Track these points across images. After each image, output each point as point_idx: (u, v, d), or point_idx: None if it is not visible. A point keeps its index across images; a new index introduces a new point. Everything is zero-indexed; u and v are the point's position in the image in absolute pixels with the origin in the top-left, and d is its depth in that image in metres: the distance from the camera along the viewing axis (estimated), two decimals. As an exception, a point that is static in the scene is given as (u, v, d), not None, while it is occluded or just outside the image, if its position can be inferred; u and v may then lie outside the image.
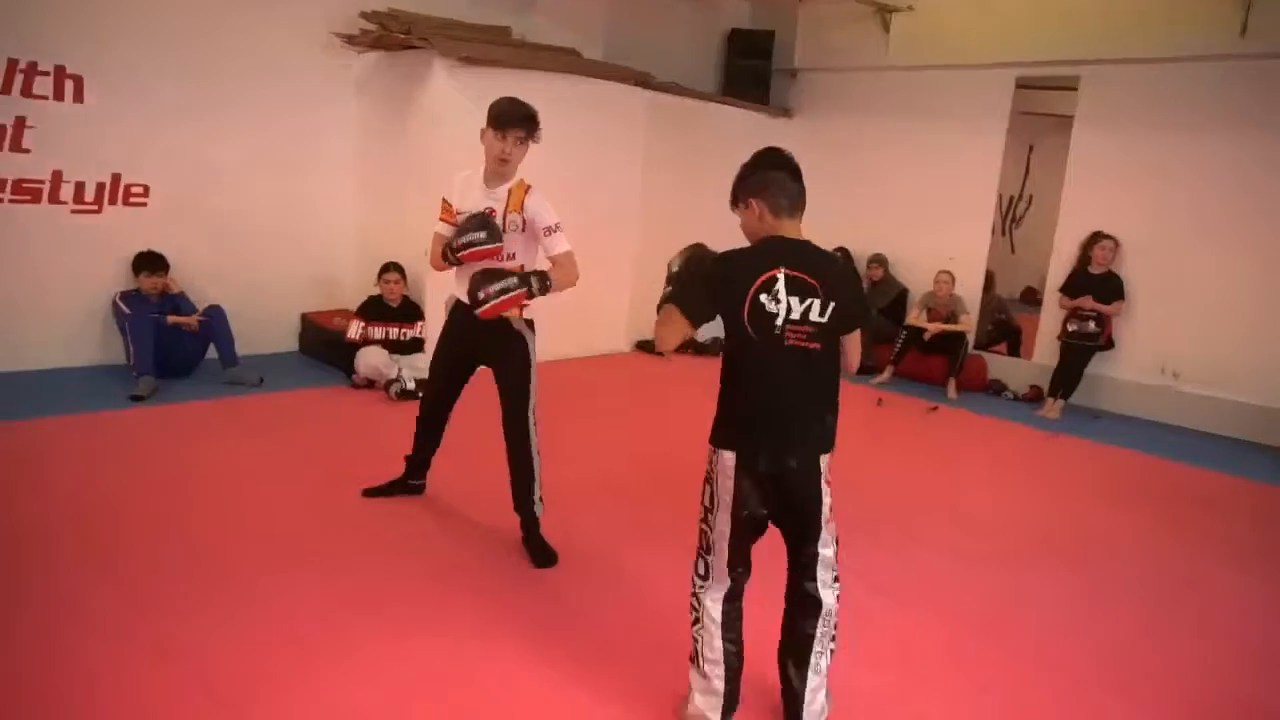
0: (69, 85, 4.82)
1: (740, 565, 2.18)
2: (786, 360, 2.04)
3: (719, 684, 2.18)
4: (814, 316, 2.02)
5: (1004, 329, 7.25)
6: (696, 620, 2.21)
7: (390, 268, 5.41)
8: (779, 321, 2.01)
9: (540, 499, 3.18)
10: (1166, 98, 6.08)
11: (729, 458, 2.10)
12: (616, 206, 6.65)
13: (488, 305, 2.93)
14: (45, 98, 4.76)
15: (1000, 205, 7.56)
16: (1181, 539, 3.92)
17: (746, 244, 2.15)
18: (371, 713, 2.21)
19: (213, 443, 4.12)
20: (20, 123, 4.71)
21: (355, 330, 5.30)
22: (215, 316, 5.15)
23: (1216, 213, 5.92)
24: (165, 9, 5.09)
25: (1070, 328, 6.24)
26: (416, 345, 5.42)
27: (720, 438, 2.14)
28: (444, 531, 3.35)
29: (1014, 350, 7.14)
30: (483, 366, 3.26)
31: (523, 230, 3.02)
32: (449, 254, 3.03)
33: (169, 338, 4.97)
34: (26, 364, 4.91)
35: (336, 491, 3.63)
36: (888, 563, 3.39)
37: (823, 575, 2.19)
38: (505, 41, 6.04)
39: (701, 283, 2.10)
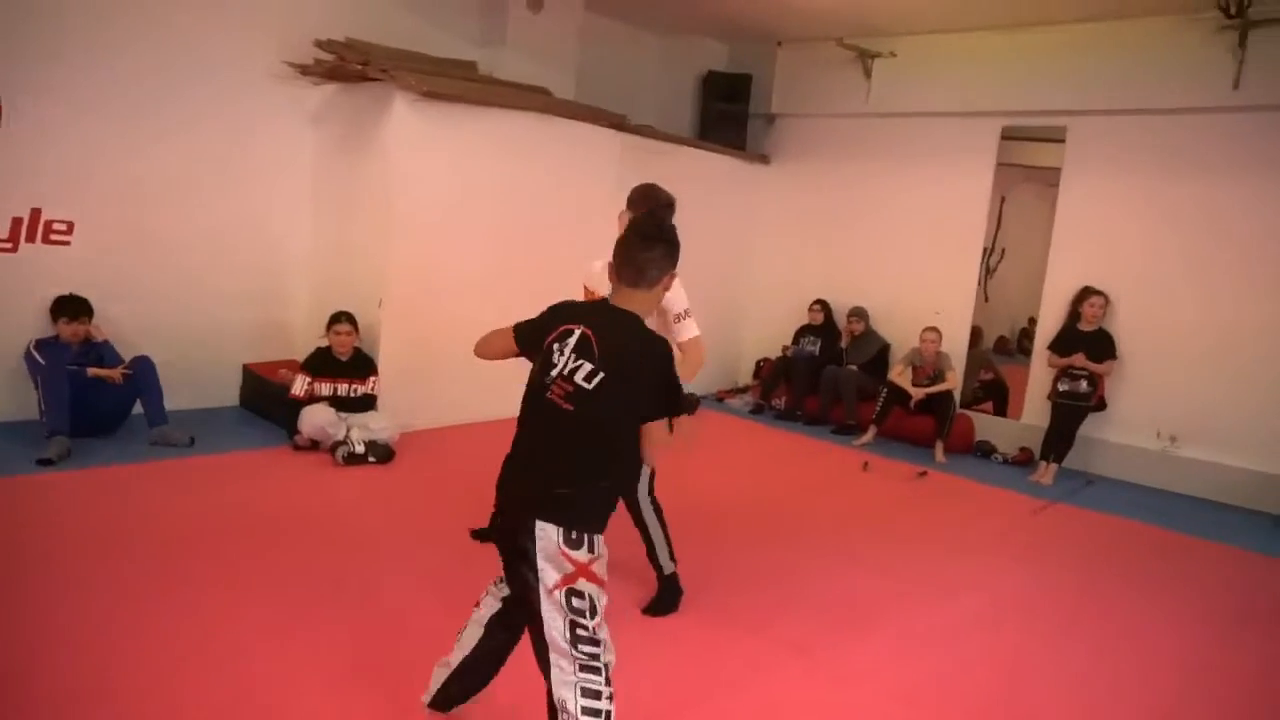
0: (-16, 110, 4.35)
1: (505, 581, 2.10)
2: (542, 412, 1.96)
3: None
4: (579, 379, 1.92)
5: (990, 387, 6.96)
6: None
7: (340, 318, 4.91)
8: (552, 373, 1.96)
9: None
10: (1158, 149, 5.90)
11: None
12: (588, 252, 6.27)
13: None
14: (-45, 122, 4.28)
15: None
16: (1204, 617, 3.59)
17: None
18: None
19: (123, 512, 3.63)
20: (-73, 150, 4.24)
21: (300, 386, 4.80)
22: (143, 368, 4.65)
23: (1211, 268, 5.71)
24: (101, 31, 4.64)
25: (1061, 387, 5.95)
26: (368, 403, 4.93)
27: None
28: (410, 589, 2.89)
29: (1000, 409, 6.84)
30: None
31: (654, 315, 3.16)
32: None
33: (89, 391, 4.45)
34: (-76, 419, 4.38)
35: (251, 566, 3.21)
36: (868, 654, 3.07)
37: (561, 692, 1.87)
38: (471, 76, 5.69)
39: (539, 317, 2.12)
